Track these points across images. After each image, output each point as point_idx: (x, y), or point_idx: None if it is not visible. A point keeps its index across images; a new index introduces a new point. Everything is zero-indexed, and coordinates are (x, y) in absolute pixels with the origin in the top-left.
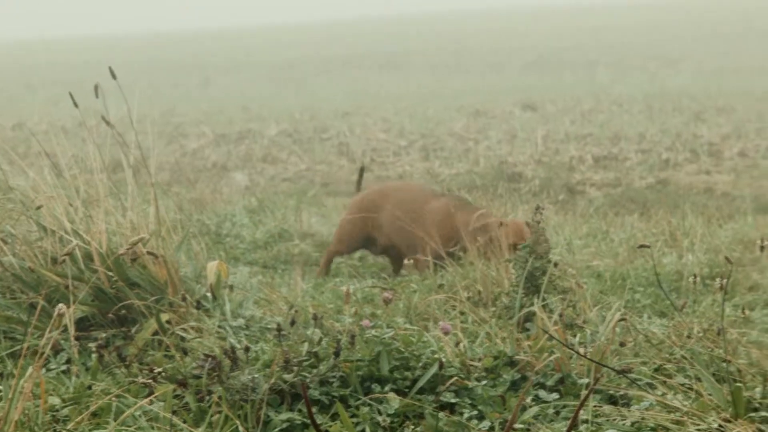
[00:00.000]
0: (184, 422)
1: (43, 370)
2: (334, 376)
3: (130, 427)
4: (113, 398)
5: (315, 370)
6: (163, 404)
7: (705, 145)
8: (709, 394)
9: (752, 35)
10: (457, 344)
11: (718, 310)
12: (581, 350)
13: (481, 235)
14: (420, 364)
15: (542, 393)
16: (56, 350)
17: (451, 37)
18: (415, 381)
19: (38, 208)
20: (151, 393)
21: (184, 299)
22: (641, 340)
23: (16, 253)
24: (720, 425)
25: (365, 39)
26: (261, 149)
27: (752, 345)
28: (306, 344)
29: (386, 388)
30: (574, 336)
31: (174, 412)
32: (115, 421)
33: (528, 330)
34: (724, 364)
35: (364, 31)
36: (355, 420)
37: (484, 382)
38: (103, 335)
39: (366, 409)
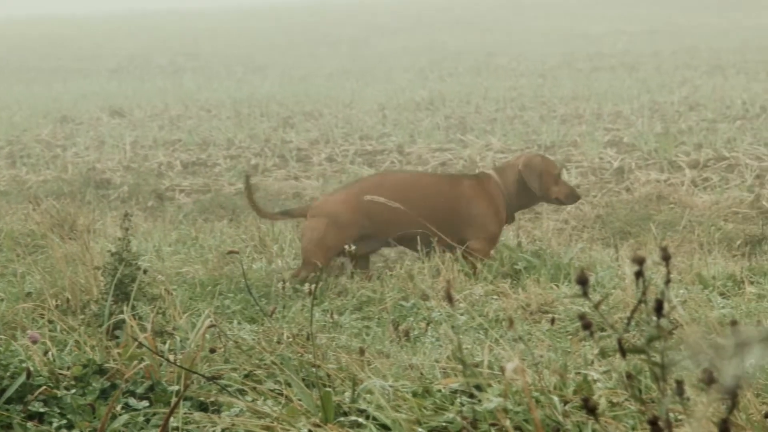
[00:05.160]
0: None
1: None
2: None
3: None
4: None
5: None
6: None
7: (294, 150)
8: (299, 400)
9: (325, 43)
10: (45, 353)
11: (307, 315)
12: (171, 357)
13: None
14: (8, 374)
15: (132, 401)
16: None
17: (32, 41)
18: (2, 391)
19: None
20: None
21: None
22: (231, 347)
23: None
24: (310, 430)
25: None
26: None
27: (341, 349)
28: None
29: None
30: (164, 343)
31: None
32: None
33: (118, 338)
34: (314, 369)
35: None
36: None
37: (73, 391)
38: None
39: None
